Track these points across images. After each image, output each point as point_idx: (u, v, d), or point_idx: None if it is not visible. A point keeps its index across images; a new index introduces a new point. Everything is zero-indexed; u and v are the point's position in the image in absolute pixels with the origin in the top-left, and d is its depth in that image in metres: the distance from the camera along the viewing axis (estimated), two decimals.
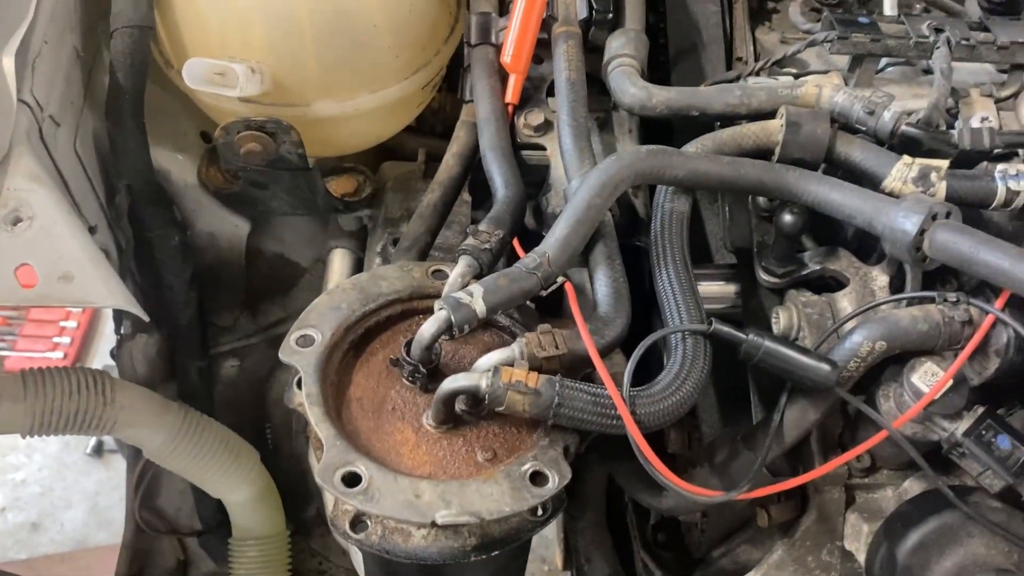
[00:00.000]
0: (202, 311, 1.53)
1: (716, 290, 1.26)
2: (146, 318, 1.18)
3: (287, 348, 0.99)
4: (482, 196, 1.39)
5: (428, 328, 0.94)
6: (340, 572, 1.78)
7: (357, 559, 1.09)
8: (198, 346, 1.54)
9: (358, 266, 1.55)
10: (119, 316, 1.55)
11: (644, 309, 1.14)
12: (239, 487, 1.51)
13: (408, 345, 0.98)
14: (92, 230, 1.23)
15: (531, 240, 1.11)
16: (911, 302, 1.05)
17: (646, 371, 0.97)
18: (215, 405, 1.61)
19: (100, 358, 3.17)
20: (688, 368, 0.95)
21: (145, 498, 1.65)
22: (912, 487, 1.12)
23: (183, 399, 1.49)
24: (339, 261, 1.55)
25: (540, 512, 0.95)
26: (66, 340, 3.23)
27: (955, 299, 1.02)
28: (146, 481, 1.62)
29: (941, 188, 1.07)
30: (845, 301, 1.14)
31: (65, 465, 2.98)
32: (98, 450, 2.97)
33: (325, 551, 1.78)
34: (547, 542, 2.66)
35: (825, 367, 0.98)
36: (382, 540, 0.92)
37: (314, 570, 1.78)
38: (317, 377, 0.96)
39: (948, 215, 1.01)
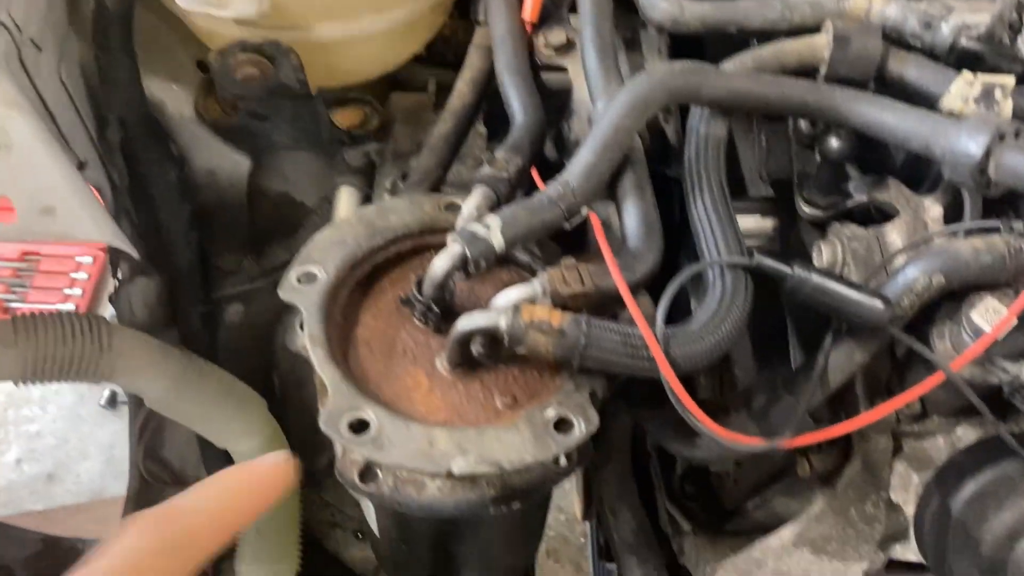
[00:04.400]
0: (203, 254, 1.47)
1: (752, 225, 1.17)
2: (136, 255, 1.10)
3: (287, 286, 0.91)
4: (496, 128, 1.30)
5: (441, 263, 0.86)
6: (352, 524, 1.73)
7: (369, 512, 1.02)
8: (199, 290, 1.48)
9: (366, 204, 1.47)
10: (116, 260, 1.48)
11: (672, 245, 1.06)
12: (245, 436, 1.45)
13: (419, 282, 0.90)
14: (82, 166, 1.15)
15: (552, 173, 1.03)
16: (972, 233, 0.96)
17: (672, 316, 0.88)
18: (218, 352, 1.55)
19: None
20: (728, 305, 0.87)
21: (149, 449, 1.59)
22: (966, 435, 1.04)
23: (185, 346, 1.42)
24: (346, 199, 1.46)
25: (564, 462, 0.87)
26: (77, 292, 3.20)
27: (1023, 229, 0.93)
28: (149, 431, 1.56)
29: (1007, 107, 0.97)
30: (895, 234, 1.04)
31: (80, 417, 2.98)
32: (112, 402, 2.97)
33: (337, 503, 1.73)
34: (564, 491, 2.63)
35: (878, 304, 0.89)
36: (394, 492, 0.84)
37: (326, 522, 1.73)
38: (320, 317, 0.88)
39: (1017, 135, 0.91)
